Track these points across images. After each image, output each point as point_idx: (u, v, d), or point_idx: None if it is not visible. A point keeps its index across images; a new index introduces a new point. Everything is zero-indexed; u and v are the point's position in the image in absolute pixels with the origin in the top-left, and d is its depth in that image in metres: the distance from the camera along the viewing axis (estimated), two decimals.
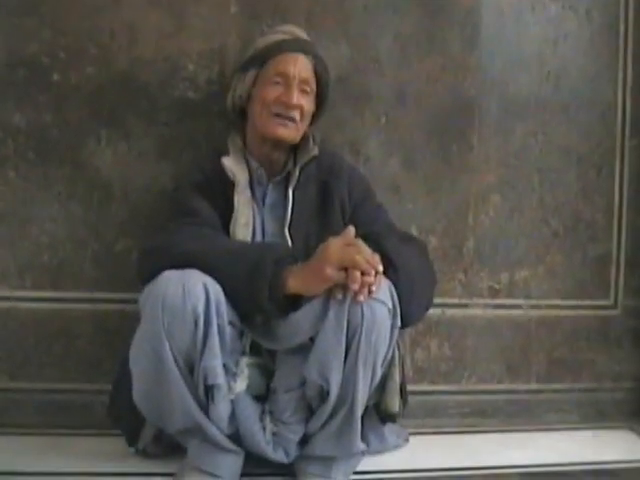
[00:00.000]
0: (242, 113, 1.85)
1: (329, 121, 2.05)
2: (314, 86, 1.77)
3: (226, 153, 1.78)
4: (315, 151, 1.79)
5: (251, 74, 1.77)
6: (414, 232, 2.15)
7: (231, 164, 1.74)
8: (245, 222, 1.69)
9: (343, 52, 2.11)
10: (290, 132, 1.76)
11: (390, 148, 2.15)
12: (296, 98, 1.71)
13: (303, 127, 1.78)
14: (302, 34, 1.80)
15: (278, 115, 1.72)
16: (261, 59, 1.75)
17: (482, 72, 2.18)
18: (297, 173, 1.77)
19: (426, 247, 1.81)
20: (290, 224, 1.74)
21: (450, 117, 2.17)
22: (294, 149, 1.83)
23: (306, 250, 1.66)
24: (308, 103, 1.76)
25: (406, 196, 2.17)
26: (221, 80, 2.01)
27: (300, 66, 1.73)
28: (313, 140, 1.82)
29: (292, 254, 1.57)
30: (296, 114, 1.73)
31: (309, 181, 1.79)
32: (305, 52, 1.75)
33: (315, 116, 1.83)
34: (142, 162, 2.05)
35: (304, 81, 1.74)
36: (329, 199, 1.78)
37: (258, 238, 1.75)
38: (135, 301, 1.58)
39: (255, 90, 1.77)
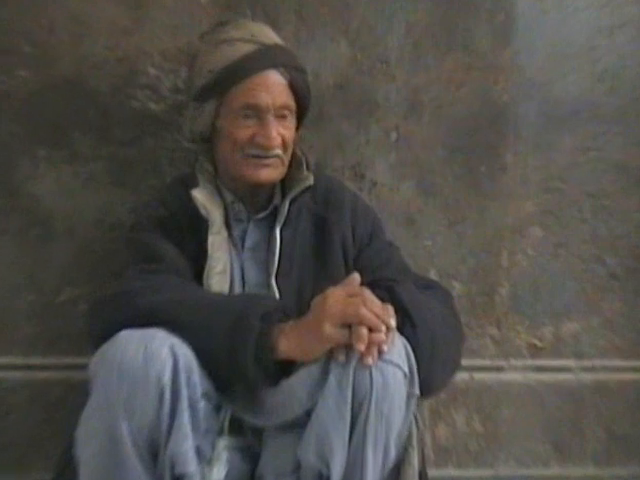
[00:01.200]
0: (208, 139, 1.84)
1: (326, 138, 2.09)
2: (293, 103, 1.78)
3: (195, 182, 1.77)
4: (309, 180, 1.78)
5: (210, 106, 1.76)
6: (433, 276, 2.14)
7: (204, 198, 1.73)
8: (222, 269, 1.69)
9: (343, 51, 2.11)
10: (275, 172, 1.76)
11: (402, 171, 2.16)
12: (275, 133, 1.72)
13: (289, 157, 1.78)
14: (264, 32, 1.78)
15: (256, 156, 1.74)
16: (221, 87, 1.73)
17: (518, 72, 2.18)
18: (286, 208, 1.77)
19: (450, 295, 1.81)
20: (278, 271, 1.73)
21: (477, 130, 2.17)
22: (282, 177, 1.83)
23: (299, 303, 1.67)
24: (289, 128, 1.77)
25: (423, 230, 2.17)
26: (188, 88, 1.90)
27: (273, 90, 1.73)
28: (306, 165, 1.81)
29: (282, 308, 1.55)
30: (278, 150, 1.74)
31: (301, 217, 1.79)
32: (275, 65, 1.73)
33: (297, 125, 1.83)
34: (91, 190, 2.05)
35: (281, 107, 1.74)
36: (327, 239, 1.79)
37: (237, 289, 1.74)
38: (83, 367, 1.52)
39: (220, 123, 1.76)
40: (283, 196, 1.81)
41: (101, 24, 2.03)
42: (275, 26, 1.86)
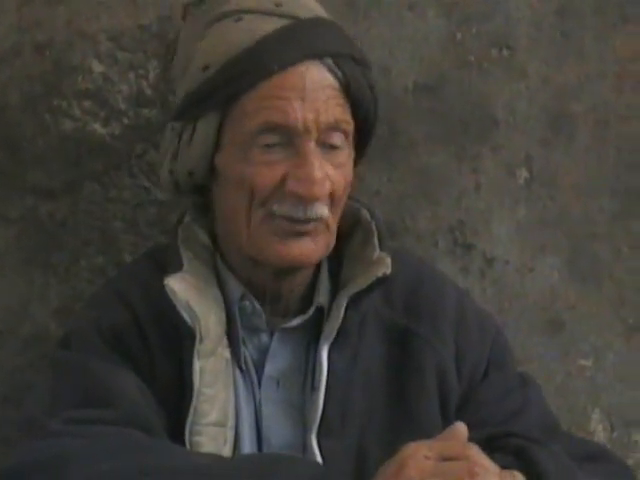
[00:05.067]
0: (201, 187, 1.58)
1: (402, 180, 1.78)
2: (351, 120, 1.46)
3: (175, 262, 1.48)
4: (384, 266, 1.46)
5: (205, 128, 1.47)
6: (596, 421, 1.84)
7: (187, 292, 1.44)
8: (219, 418, 1.43)
9: (431, 28, 1.79)
10: (316, 246, 1.46)
11: (540, 237, 1.82)
12: (320, 172, 1.41)
13: (338, 217, 1.49)
14: None
15: (285, 218, 1.43)
16: (222, 95, 1.44)
17: None
18: (341, 313, 1.46)
19: (628, 472, 1.52)
20: (322, 423, 1.44)
21: None
22: (333, 253, 1.54)
23: (358, 473, 1.43)
24: (344, 166, 1.47)
25: (578, 341, 1.82)
26: (161, 95, 1.72)
27: (316, 97, 1.42)
28: (378, 236, 1.50)
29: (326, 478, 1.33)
30: (323, 209, 1.44)
31: (367, 329, 1.52)
32: (319, 54, 1.43)
33: (356, 155, 1.54)
34: None
35: (331, 127, 1.43)
36: (412, 368, 1.51)
37: (246, 449, 1.47)
38: None
39: (223, 159, 1.47)
40: (334, 291, 1.54)
41: None
42: None
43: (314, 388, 1.46)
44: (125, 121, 1.74)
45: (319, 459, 1.43)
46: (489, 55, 1.82)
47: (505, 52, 1.84)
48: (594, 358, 1.87)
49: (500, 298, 1.80)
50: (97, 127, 1.74)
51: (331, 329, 1.47)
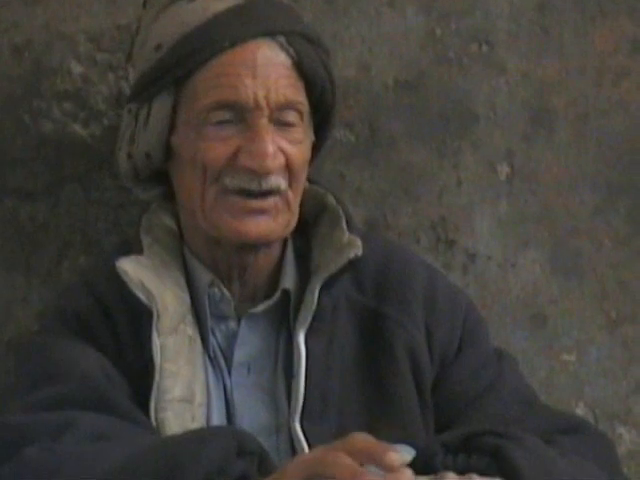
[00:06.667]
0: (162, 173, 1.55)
1: (383, 176, 1.77)
2: (305, 100, 1.47)
3: (135, 249, 1.50)
4: (355, 248, 1.46)
5: (160, 108, 1.46)
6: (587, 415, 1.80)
7: (140, 272, 1.46)
8: (183, 394, 1.41)
9: (410, 24, 1.77)
10: (274, 222, 1.45)
11: (522, 232, 1.80)
12: (272, 146, 1.41)
13: (299, 196, 1.48)
14: None
15: (240, 193, 1.43)
16: (175, 73, 1.44)
17: None
18: (315, 297, 1.46)
19: (609, 443, 1.49)
20: (305, 409, 1.43)
21: None
22: (300, 239, 1.57)
23: None
24: (300, 144, 1.47)
25: (561, 336, 1.79)
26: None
27: (267, 74, 1.42)
28: (347, 221, 1.50)
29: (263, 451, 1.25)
30: (279, 180, 1.44)
31: (339, 314, 1.51)
32: (270, 32, 1.44)
33: (315, 146, 1.53)
34: None
35: (283, 105, 1.44)
36: (384, 351, 1.50)
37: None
38: None
39: (178, 138, 1.47)
40: (304, 277, 1.54)
41: None
42: None
43: (293, 374, 1.47)
44: (105, 122, 1.74)
45: (304, 445, 1.42)
46: (469, 51, 1.82)
47: (485, 48, 1.83)
48: (577, 352, 1.85)
49: (483, 294, 1.79)
50: (77, 128, 1.74)
51: (306, 314, 1.47)
